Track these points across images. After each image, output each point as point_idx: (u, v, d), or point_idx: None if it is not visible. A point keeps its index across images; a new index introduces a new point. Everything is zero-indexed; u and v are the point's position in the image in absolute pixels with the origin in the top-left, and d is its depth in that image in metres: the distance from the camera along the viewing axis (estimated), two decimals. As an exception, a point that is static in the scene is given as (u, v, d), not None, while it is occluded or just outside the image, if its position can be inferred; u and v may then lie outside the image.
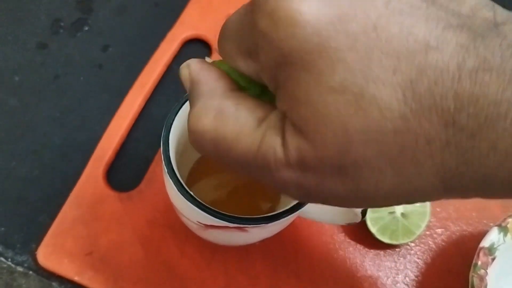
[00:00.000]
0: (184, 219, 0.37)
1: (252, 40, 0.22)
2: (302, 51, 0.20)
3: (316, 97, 0.20)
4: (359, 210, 0.36)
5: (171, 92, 0.49)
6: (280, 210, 0.32)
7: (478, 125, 0.19)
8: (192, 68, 0.25)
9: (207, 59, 0.27)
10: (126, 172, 0.45)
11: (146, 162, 0.45)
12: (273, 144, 0.22)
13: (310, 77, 0.20)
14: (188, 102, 0.34)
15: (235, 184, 0.43)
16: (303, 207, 0.33)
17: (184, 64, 0.26)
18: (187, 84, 0.26)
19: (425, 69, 0.19)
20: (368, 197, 0.22)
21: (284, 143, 0.21)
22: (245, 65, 0.24)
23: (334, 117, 0.20)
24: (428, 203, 0.43)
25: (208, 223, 0.33)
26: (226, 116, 0.23)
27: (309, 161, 0.21)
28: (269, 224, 0.32)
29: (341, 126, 0.20)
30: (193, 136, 0.24)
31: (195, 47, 0.51)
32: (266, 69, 0.22)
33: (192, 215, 0.34)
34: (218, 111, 0.23)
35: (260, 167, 0.22)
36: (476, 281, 0.38)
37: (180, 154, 0.37)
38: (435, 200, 0.22)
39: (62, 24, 0.52)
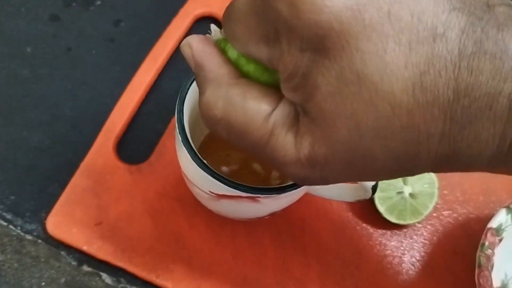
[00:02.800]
0: (195, 190, 0.37)
1: (269, 26, 0.22)
2: (326, 39, 0.20)
3: (335, 88, 0.20)
4: (369, 187, 0.36)
5: (182, 67, 0.49)
6: (292, 182, 0.32)
7: (468, 117, 0.20)
8: (194, 48, 0.25)
9: (212, 28, 0.27)
10: (136, 145, 0.45)
11: (156, 135, 0.45)
12: (283, 142, 0.23)
13: (332, 66, 0.20)
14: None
15: (244, 160, 0.43)
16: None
17: (185, 41, 0.26)
18: (191, 64, 0.26)
19: (432, 60, 0.20)
20: (365, 180, 0.25)
21: (296, 142, 0.23)
22: (257, 51, 0.23)
23: (349, 112, 0.21)
24: (436, 184, 0.43)
25: (221, 193, 0.33)
26: (234, 107, 0.24)
27: (320, 158, 0.22)
28: (281, 195, 0.33)
29: (355, 122, 0.21)
30: (206, 122, 0.25)
31: (207, 24, 0.51)
32: (288, 56, 0.22)
33: (204, 184, 0.34)
34: (227, 102, 0.24)
35: (269, 159, 0.24)
36: (483, 260, 0.39)
37: (190, 128, 0.37)
38: None
39: (74, -3, 0.52)
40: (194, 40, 0.26)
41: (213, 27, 0.27)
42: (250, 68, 0.25)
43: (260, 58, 0.24)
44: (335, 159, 0.22)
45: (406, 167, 0.22)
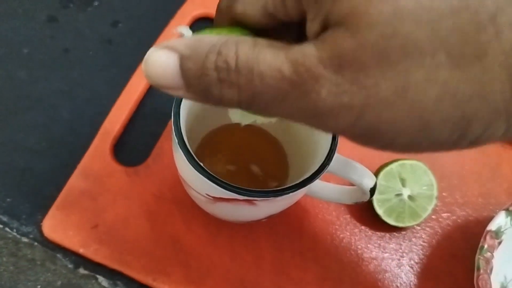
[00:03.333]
0: (192, 193, 0.36)
1: None
2: None
3: None
4: (367, 189, 0.36)
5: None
6: (290, 185, 0.32)
7: None
8: (179, 42, 0.21)
9: (182, 30, 0.24)
10: (133, 147, 0.45)
11: (153, 138, 0.45)
12: (303, 48, 0.19)
13: None
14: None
15: (242, 162, 0.43)
16: (312, 182, 0.33)
17: (152, 49, 0.21)
18: (172, 65, 0.20)
19: None
20: (420, 106, 0.17)
21: (316, 43, 0.18)
22: None
23: None
24: (435, 187, 0.43)
25: (217, 196, 0.33)
26: (251, 47, 0.19)
27: (348, 50, 0.17)
28: (278, 198, 0.32)
29: (388, 4, 0.17)
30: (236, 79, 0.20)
31: (205, 25, 0.51)
32: None
33: (201, 187, 0.34)
34: (239, 42, 0.20)
35: (293, 83, 0.19)
36: (482, 263, 0.38)
37: (188, 131, 0.37)
38: (498, 139, 0.19)
39: (72, -2, 0.51)
40: (173, 40, 0.21)
41: (182, 29, 0.25)
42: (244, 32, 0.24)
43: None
44: (367, 50, 0.17)
45: (470, 72, 0.17)
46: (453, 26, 0.16)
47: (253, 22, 0.23)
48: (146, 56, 0.21)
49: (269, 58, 0.19)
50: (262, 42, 0.19)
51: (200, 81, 0.20)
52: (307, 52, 0.18)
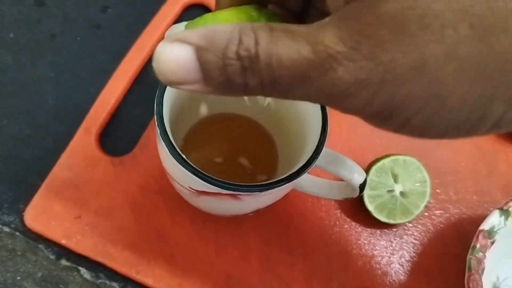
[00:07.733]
0: (176, 185, 0.35)
1: None
2: None
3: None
4: (357, 185, 0.35)
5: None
6: (275, 179, 0.31)
7: None
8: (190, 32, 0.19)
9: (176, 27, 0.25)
10: (119, 136, 0.44)
11: (140, 127, 0.43)
12: (322, 26, 0.18)
13: None
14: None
15: (230, 155, 0.42)
16: (298, 177, 0.31)
17: (161, 44, 0.19)
18: (194, 41, 0.19)
19: None
20: (437, 82, 0.17)
21: (335, 19, 0.18)
22: None
23: None
24: (428, 183, 0.42)
25: (200, 189, 0.32)
26: (270, 36, 0.18)
27: (366, 25, 0.17)
28: (263, 193, 0.31)
29: None
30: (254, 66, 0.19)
31: (197, 11, 0.50)
32: None
33: (184, 180, 0.32)
34: (261, 32, 0.18)
35: (311, 64, 0.18)
36: (473, 263, 0.37)
37: (173, 122, 0.36)
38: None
39: (61, -18, 0.50)
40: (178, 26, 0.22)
41: (177, 28, 0.25)
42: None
43: None
44: (384, 24, 0.17)
45: (495, 41, 0.16)
46: None
47: None
48: (155, 53, 0.19)
49: (288, 42, 0.18)
50: (279, 27, 0.18)
51: (222, 72, 0.19)
52: (326, 30, 0.17)
